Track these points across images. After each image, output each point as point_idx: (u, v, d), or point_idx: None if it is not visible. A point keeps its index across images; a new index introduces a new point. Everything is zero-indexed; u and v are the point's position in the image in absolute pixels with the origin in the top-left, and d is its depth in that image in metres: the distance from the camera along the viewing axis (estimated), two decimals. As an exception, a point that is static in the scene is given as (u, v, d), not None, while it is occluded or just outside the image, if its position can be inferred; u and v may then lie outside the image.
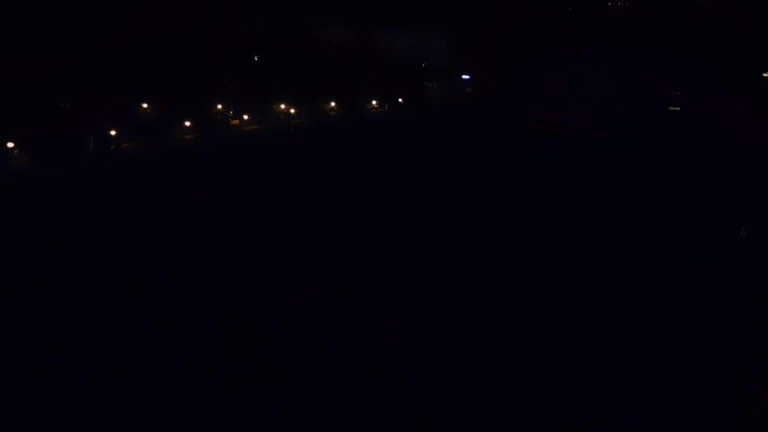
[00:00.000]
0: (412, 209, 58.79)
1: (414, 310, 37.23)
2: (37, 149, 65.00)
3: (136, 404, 26.85)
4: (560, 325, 36.00)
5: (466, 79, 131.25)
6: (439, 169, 78.59)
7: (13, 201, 55.39)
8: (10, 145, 64.66)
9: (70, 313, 34.27)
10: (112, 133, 73.93)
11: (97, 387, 27.77)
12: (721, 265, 49.70)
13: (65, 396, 27.00)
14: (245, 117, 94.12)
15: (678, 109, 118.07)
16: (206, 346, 31.66)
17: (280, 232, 49.97)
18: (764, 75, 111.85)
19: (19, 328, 32.31)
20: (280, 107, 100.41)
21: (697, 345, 34.79)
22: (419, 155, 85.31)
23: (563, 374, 30.87)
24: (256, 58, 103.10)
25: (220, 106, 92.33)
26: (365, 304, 37.68)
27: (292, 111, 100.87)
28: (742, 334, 36.57)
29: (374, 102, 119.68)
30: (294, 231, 50.26)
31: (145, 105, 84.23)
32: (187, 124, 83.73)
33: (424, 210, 58.87)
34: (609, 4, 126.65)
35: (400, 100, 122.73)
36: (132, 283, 38.42)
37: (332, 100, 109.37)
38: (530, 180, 74.40)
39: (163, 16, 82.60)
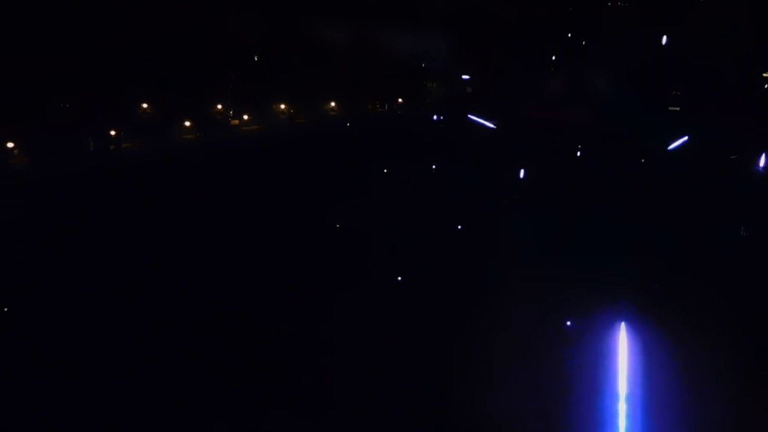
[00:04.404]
0: (412, 209, 58.75)
1: (414, 310, 37.21)
2: (37, 149, 64.91)
3: (136, 404, 26.86)
4: (560, 325, 35.99)
5: (466, 79, 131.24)
6: (439, 169, 78.57)
7: (13, 201, 55.33)
8: (10, 145, 64.58)
9: (70, 313, 34.25)
10: (112, 133, 73.88)
11: (97, 387, 27.78)
12: (721, 265, 49.76)
13: (65, 396, 27.01)
14: (245, 117, 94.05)
15: (678, 109, 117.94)
16: (206, 346, 31.66)
17: (281, 232, 49.93)
18: (764, 75, 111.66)
19: (19, 328, 32.29)
20: (280, 107, 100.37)
21: (698, 344, 34.80)
22: (419, 155, 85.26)
23: (563, 374, 30.87)
24: (256, 58, 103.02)
25: (220, 106, 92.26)
26: (365, 304, 37.66)
27: (292, 111, 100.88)
28: (742, 334, 36.59)
29: (374, 102, 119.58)
30: (294, 231, 50.22)
31: (145, 105, 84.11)
32: (187, 124, 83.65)
33: (424, 210, 58.85)
34: (609, 4, 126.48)
35: (400, 100, 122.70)
36: (132, 283, 38.40)
37: (332, 100, 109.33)
38: (530, 179, 74.41)
39: (162, 16, 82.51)
